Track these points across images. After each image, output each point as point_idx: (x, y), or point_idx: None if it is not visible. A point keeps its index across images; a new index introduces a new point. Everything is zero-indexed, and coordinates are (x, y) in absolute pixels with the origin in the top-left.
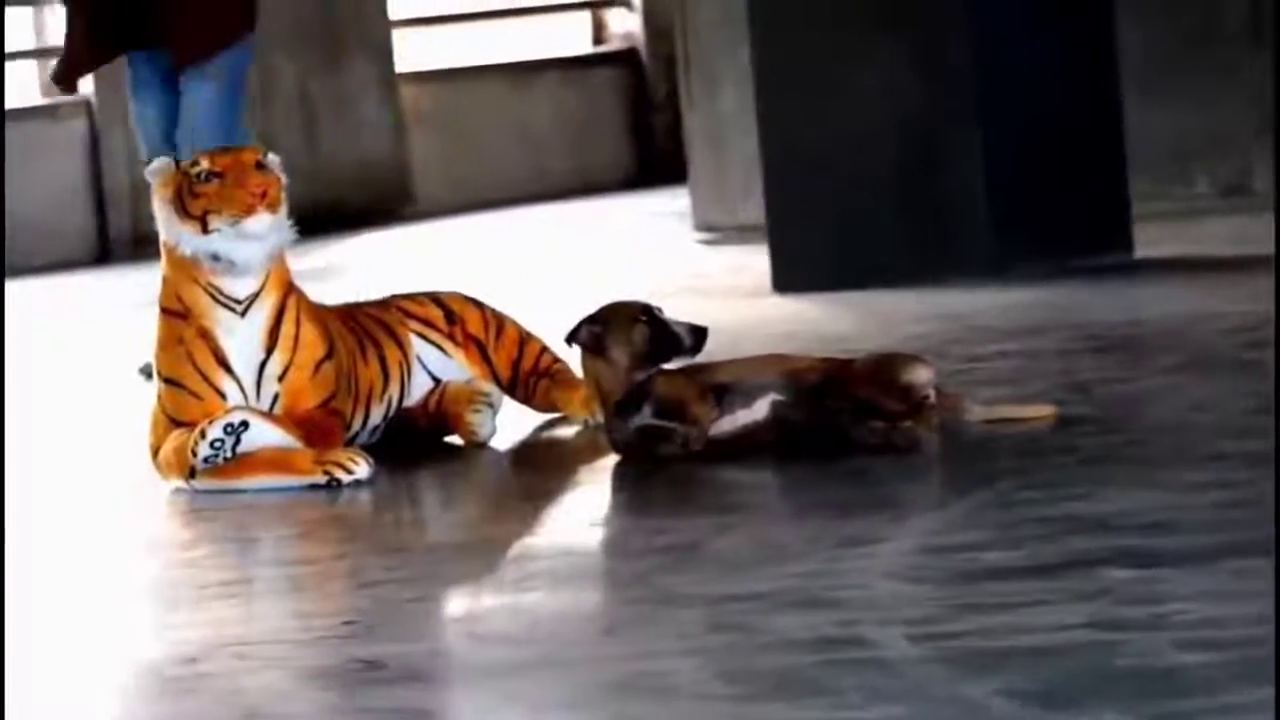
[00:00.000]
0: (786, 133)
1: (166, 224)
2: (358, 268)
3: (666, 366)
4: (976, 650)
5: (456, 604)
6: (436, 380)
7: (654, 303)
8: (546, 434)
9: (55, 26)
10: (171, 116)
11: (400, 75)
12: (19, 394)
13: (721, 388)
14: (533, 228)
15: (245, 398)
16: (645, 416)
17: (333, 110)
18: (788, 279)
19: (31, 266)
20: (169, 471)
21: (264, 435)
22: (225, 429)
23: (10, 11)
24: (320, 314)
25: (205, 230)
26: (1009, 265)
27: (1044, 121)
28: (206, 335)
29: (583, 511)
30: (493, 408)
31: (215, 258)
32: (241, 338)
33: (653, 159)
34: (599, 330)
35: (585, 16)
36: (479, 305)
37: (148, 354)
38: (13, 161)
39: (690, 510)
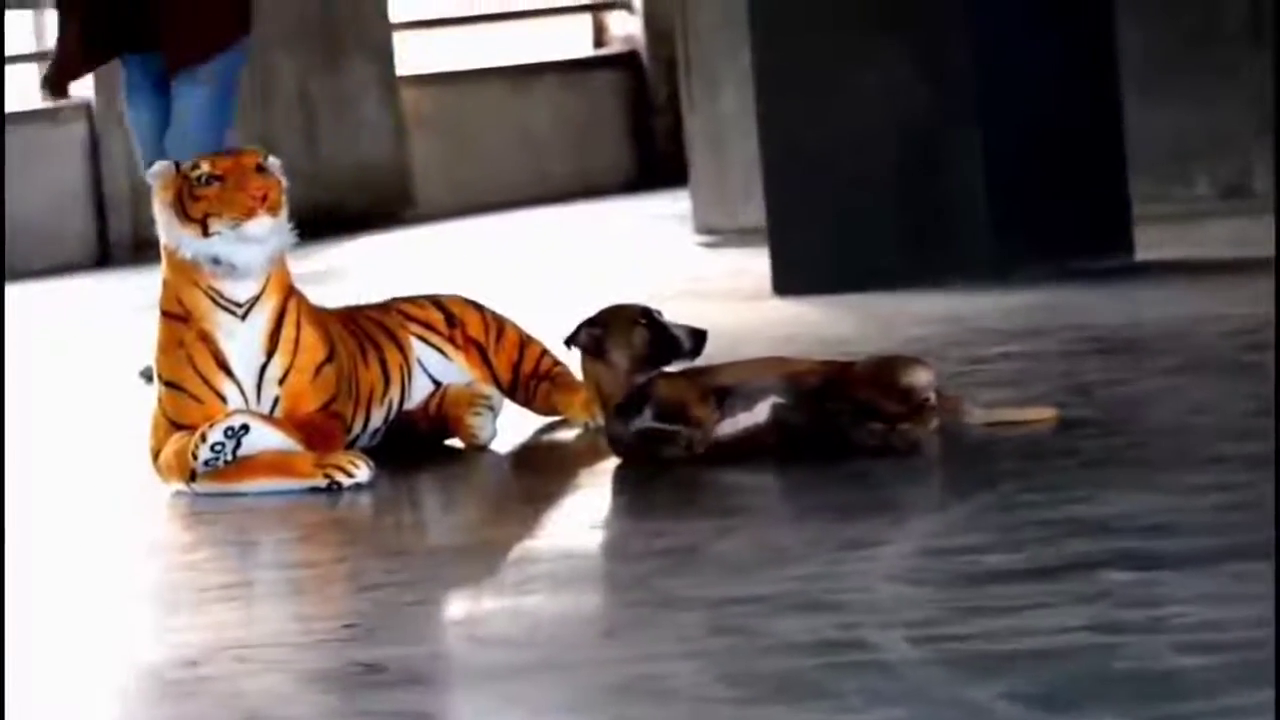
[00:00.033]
0: (787, 135)
1: (167, 227)
2: (358, 271)
3: (666, 369)
4: (977, 653)
5: (457, 607)
6: (437, 383)
7: (654, 305)
8: (547, 437)
9: (54, 30)
10: (165, 120)
11: (401, 78)
12: (19, 397)
13: (722, 390)
14: (533, 230)
15: (246, 401)
16: (646, 419)
17: (333, 113)
18: (788, 281)
19: (31, 270)
20: (169, 475)
21: (264, 438)
22: (226, 432)
23: (10, 15)
24: (321, 317)
25: (206, 233)
26: (1009, 267)
27: (1044, 122)
28: (207, 338)
29: (583, 514)
30: (493, 411)
31: (216, 261)
32: (242, 341)
33: (653, 162)
34: (598, 333)
35: (586, 19)
36: (479, 308)
37: (148, 357)
38: (13, 165)
39: (691, 513)
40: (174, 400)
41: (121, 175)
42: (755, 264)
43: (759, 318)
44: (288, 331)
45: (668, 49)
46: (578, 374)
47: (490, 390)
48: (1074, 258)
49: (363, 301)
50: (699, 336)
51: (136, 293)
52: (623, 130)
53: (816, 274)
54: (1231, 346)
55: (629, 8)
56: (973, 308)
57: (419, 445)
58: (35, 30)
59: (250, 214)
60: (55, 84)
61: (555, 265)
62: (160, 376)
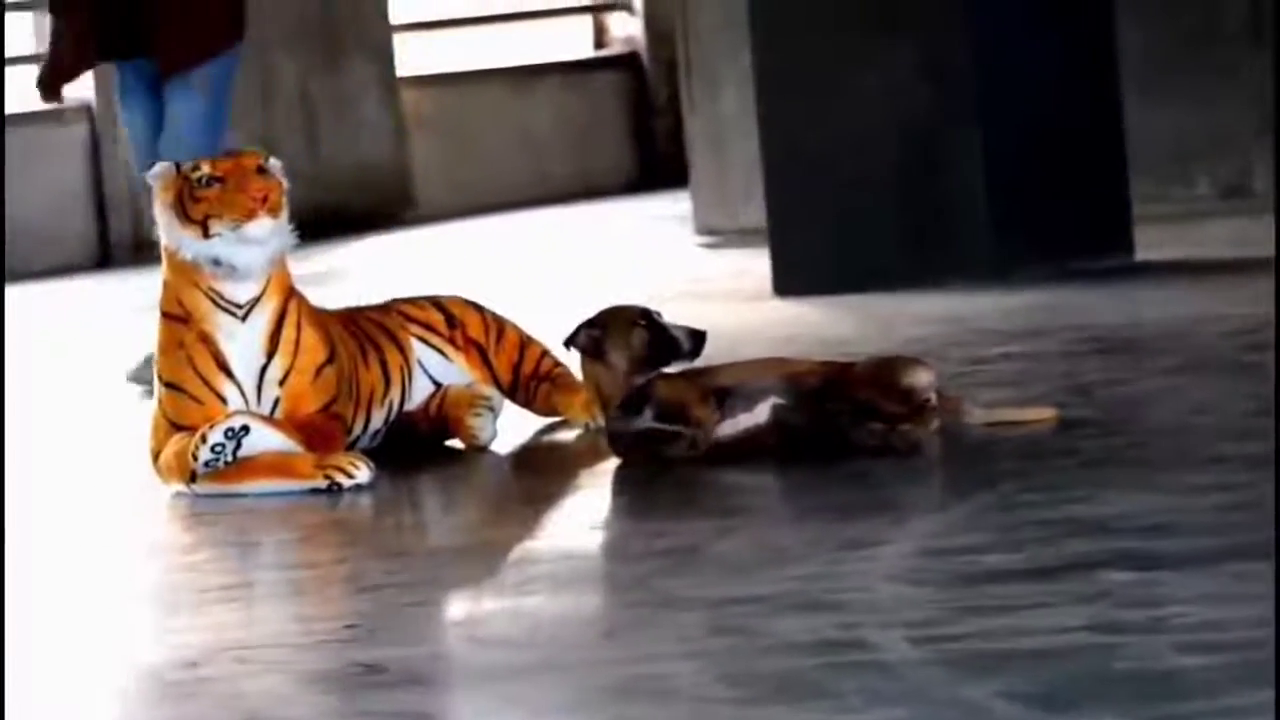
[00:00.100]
0: (787, 136)
1: (167, 229)
2: (359, 272)
3: (665, 370)
4: (977, 653)
5: (457, 608)
6: (437, 384)
7: (654, 306)
8: (547, 438)
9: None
10: (159, 124)
11: (401, 79)
12: (19, 399)
13: (722, 391)
14: (534, 232)
15: (246, 402)
16: (646, 420)
17: (333, 114)
18: (788, 282)
19: (32, 271)
20: (170, 476)
21: (265, 440)
22: (226, 433)
23: (10, 16)
24: (321, 318)
25: (206, 235)
26: (1010, 267)
27: (1044, 122)
28: (207, 340)
29: (583, 515)
30: (493, 411)
31: (216, 262)
32: (242, 342)
33: (654, 163)
34: (598, 334)
35: (586, 20)
36: (480, 309)
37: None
38: (13, 166)
39: (691, 513)
40: (174, 401)
41: (122, 176)
42: (756, 265)
43: (759, 318)
44: (288, 333)
45: (668, 50)
46: (578, 375)
47: (490, 391)
48: (1074, 258)
49: (363, 303)
50: (698, 337)
51: (137, 294)
52: (623, 131)
53: (817, 274)
54: (1231, 346)
55: (630, 9)
56: (973, 308)
57: (419, 446)
58: (36, 31)
59: (251, 215)
60: (49, 86)
61: (556, 266)
62: (160, 377)
